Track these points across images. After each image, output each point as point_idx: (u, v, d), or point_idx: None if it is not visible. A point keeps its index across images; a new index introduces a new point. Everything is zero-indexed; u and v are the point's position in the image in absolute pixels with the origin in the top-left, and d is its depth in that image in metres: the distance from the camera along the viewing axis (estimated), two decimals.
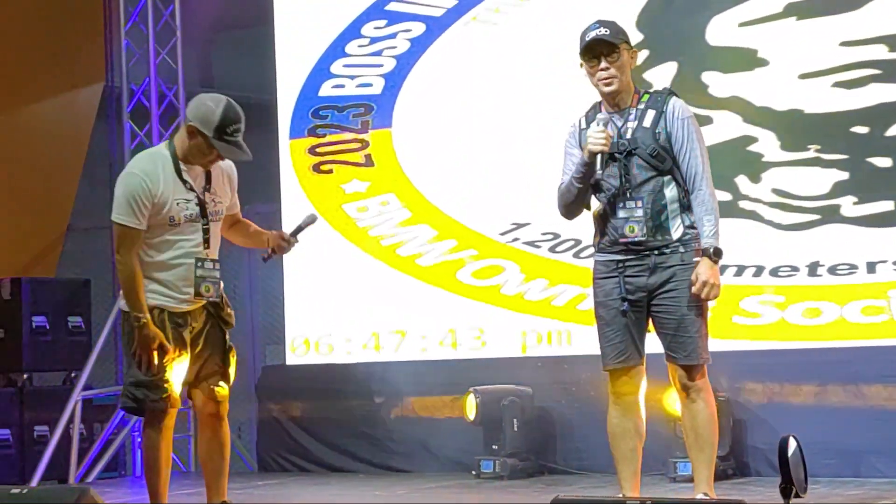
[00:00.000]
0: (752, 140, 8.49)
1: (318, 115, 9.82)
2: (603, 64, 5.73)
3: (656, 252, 5.70)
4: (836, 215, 8.24)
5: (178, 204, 5.96)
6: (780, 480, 4.21)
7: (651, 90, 5.89)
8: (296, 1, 10.02)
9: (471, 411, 8.69)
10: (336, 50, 9.80)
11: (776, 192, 8.42)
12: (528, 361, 9.02)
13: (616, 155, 5.71)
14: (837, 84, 8.29)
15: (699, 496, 5.75)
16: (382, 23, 9.70)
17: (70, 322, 10.12)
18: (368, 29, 9.74)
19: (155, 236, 5.97)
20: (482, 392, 8.68)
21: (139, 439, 9.97)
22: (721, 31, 8.64)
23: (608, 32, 5.75)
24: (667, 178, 5.72)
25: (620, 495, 5.79)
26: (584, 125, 5.85)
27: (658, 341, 5.88)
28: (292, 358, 9.76)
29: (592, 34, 5.76)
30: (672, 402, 8.09)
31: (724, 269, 8.35)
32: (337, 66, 9.81)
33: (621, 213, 5.70)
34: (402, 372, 9.36)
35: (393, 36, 9.66)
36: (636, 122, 5.74)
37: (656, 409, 8.24)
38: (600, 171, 5.67)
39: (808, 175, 8.34)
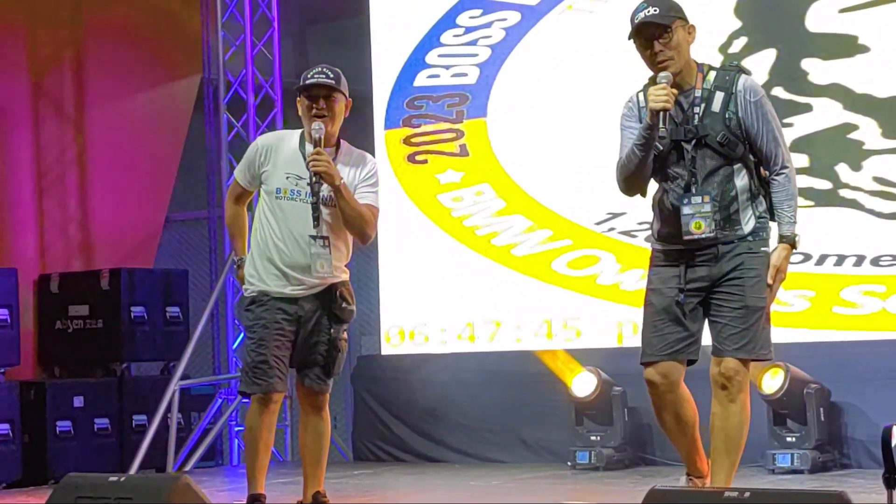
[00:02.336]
0: (853, 128, 8.35)
1: (413, 105, 9.82)
2: (656, 47, 5.39)
3: (723, 243, 5.37)
4: None
5: (287, 178, 6.15)
6: (884, 470, 4.12)
7: (717, 66, 5.52)
8: None
9: (586, 389, 8.61)
10: (431, 40, 9.79)
11: (877, 180, 8.28)
12: (624, 352, 8.95)
13: (682, 143, 5.38)
14: None
15: None
16: (478, 12, 9.68)
17: (168, 312, 10.21)
18: (464, 18, 9.72)
19: (266, 206, 6.18)
20: (601, 373, 8.66)
21: (236, 429, 10.08)
22: (821, 17, 8.51)
23: (658, 12, 5.40)
24: (737, 165, 5.39)
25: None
26: (642, 102, 5.50)
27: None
28: (387, 348, 9.78)
29: (641, 15, 5.43)
30: (770, 383, 8.03)
31: (824, 258, 8.31)
32: (432, 56, 9.80)
33: (687, 209, 5.33)
34: (497, 362, 9.34)
35: (488, 25, 9.63)
36: (703, 106, 5.38)
37: (753, 396, 8.16)
38: (664, 129, 5.27)
39: None
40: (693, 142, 5.36)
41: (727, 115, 5.36)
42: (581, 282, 9.15)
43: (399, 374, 9.76)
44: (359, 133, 9.70)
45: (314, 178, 6.06)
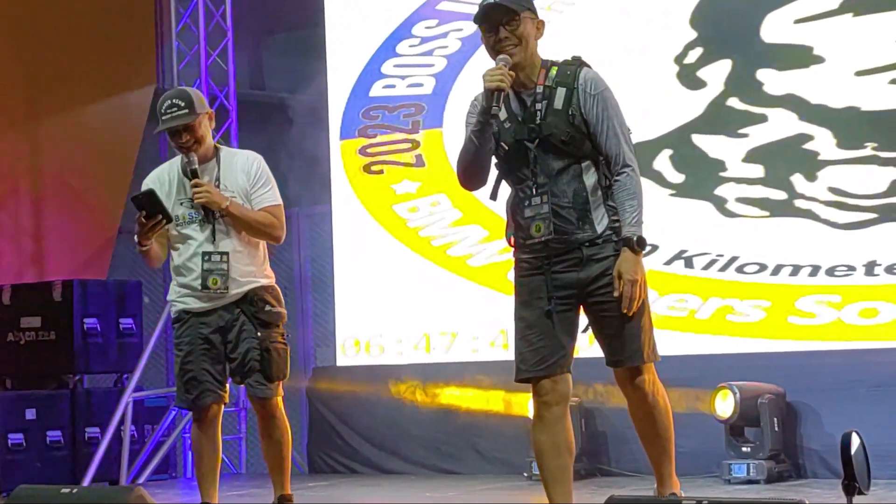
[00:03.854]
0: (808, 138, 8.38)
1: (368, 115, 9.80)
2: (502, 32, 5.13)
3: (586, 245, 5.11)
4: (894, 214, 8.12)
5: (182, 204, 6.22)
6: (843, 477, 4.11)
7: (560, 62, 5.28)
8: (347, 2, 9.99)
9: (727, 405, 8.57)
10: (387, 50, 9.77)
11: (832, 190, 8.31)
12: (579, 363, 8.91)
13: (526, 143, 5.11)
14: (894, 81, 8.18)
15: (669, 495, 5.39)
16: (434, 23, 9.67)
17: (121, 324, 10.12)
18: (419, 29, 9.70)
19: (173, 236, 6.25)
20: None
21: (190, 441, 10.01)
22: (776, 28, 8.54)
23: None
24: (585, 163, 5.12)
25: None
26: (480, 98, 5.17)
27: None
28: (343, 359, 9.74)
29: (489, 0, 5.14)
30: (723, 406, 8.03)
31: (779, 268, 8.33)
32: (388, 67, 9.78)
33: (528, 212, 5.11)
34: (453, 373, 9.32)
35: (444, 36, 9.62)
36: (545, 103, 5.12)
37: (707, 405, 8.17)
38: (497, 108, 4.99)
39: (865, 173, 8.23)
40: (536, 141, 5.12)
41: (570, 112, 5.13)
42: None
43: (355, 386, 9.71)
44: (314, 143, 9.69)
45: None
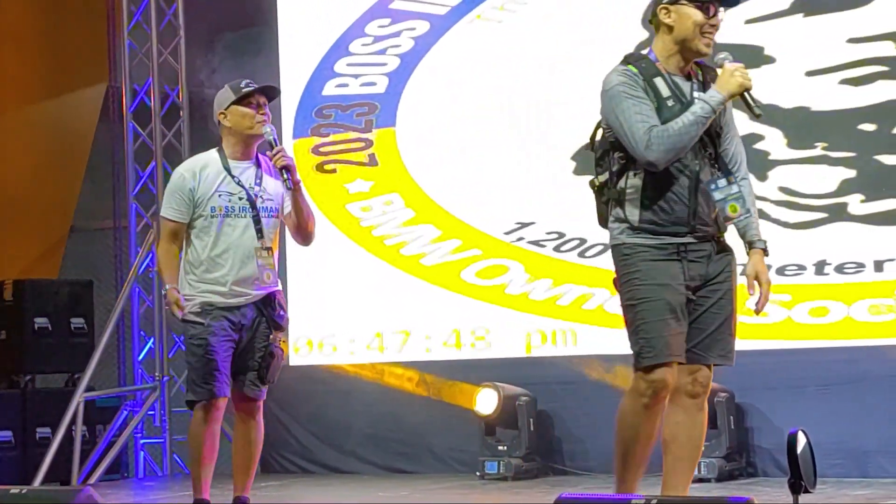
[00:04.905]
0: (759, 138, 8.42)
1: (321, 114, 9.77)
2: (715, 20, 5.08)
3: (714, 240, 5.16)
4: (844, 213, 8.19)
5: (220, 196, 6.23)
6: (790, 475, 4.14)
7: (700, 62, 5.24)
8: (299, 0, 9.96)
9: (489, 406, 8.61)
10: (340, 49, 9.75)
11: (783, 190, 8.36)
12: (532, 361, 8.96)
13: None
14: (844, 81, 8.24)
15: None
16: (386, 21, 9.65)
17: (73, 323, 10.06)
18: (372, 28, 9.69)
19: (200, 228, 6.23)
20: (501, 388, 8.63)
21: (142, 441, 9.96)
22: (727, 27, 8.47)
23: None
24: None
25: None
26: (639, 74, 5.07)
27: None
28: (295, 358, 9.70)
29: None
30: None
31: None
32: (341, 66, 9.76)
33: (717, 195, 5.03)
34: (406, 372, 9.32)
35: (397, 35, 9.61)
36: (700, 94, 5.11)
37: None
38: (759, 108, 5.08)
39: (815, 173, 8.29)
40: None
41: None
42: (490, 291, 9.15)
43: (307, 385, 9.69)
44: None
45: (256, 191, 6.23)
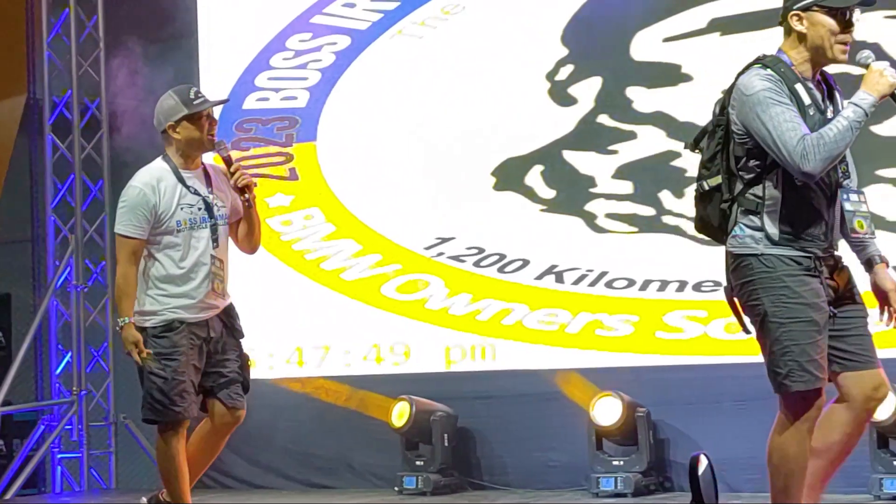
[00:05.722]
0: (676, 155, 8.50)
1: (242, 128, 9.75)
2: (852, 28, 4.86)
3: (837, 253, 4.96)
4: None
5: (182, 209, 6.09)
6: (692, 498, 4.18)
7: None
8: (220, 14, 9.94)
9: (401, 419, 8.62)
10: (261, 63, 9.74)
11: None
12: (452, 376, 8.98)
13: None
14: None
15: None
16: (308, 36, 9.65)
17: None
18: (294, 42, 9.69)
19: (166, 244, 6.10)
20: (415, 402, 8.64)
21: (59, 455, 9.89)
22: (645, 46, 8.66)
23: None
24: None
25: None
26: (781, 81, 4.81)
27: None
28: None
29: None
30: (601, 412, 8.12)
31: (647, 284, 8.44)
32: (261, 79, 9.75)
33: (848, 206, 4.86)
34: (326, 386, 9.30)
35: (318, 49, 9.61)
36: (831, 104, 4.94)
37: (579, 420, 8.25)
38: None
39: None
40: None
41: None
42: (410, 306, 9.16)
43: None
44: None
45: (211, 199, 6.13)
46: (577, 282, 8.69)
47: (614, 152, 8.67)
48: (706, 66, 8.47)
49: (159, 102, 6.24)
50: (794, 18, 4.90)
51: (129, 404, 9.82)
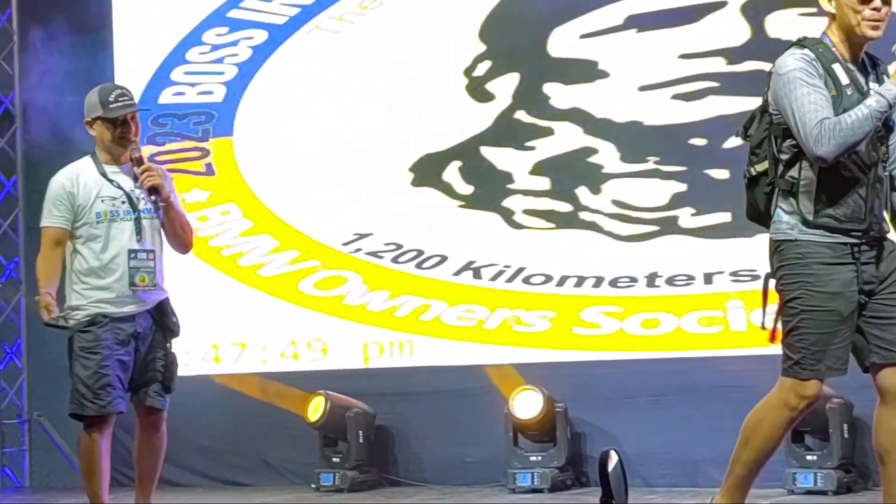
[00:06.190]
0: (593, 151, 8.53)
1: (157, 122, 9.67)
2: (877, 2, 4.74)
3: (884, 239, 4.86)
4: (675, 226, 8.32)
5: (102, 201, 6.13)
6: (602, 494, 4.20)
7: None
8: (135, 7, 9.84)
9: (316, 413, 8.59)
10: (177, 57, 9.66)
11: (616, 203, 8.47)
12: (369, 373, 8.96)
13: None
14: (676, 96, 8.37)
15: None
16: (224, 30, 9.59)
17: None
18: (210, 36, 9.61)
19: (87, 236, 6.13)
20: (331, 397, 8.61)
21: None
22: (562, 42, 8.68)
23: None
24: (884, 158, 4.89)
25: None
26: (816, 60, 4.78)
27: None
28: None
29: None
30: (520, 407, 8.13)
31: (564, 280, 8.47)
32: (177, 74, 9.67)
33: (877, 188, 4.80)
34: (243, 383, 9.25)
35: (235, 43, 9.55)
36: (876, 86, 4.81)
37: (496, 416, 8.26)
38: None
39: (647, 186, 8.41)
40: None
41: None
42: (327, 302, 9.13)
43: None
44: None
45: (136, 193, 6.15)
46: (494, 278, 8.70)
47: (532, 148, 8.69)
48: (623, 62, 8.51)
49: (87, 96, 6.30)
50: (828, 0, 4.87)
51: (43, 402, 9.72)
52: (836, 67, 4.78)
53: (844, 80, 4.78)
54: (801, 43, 4.86)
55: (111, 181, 6.16)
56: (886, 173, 4.87)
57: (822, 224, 4.77)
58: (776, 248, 4.85)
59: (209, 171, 9.52)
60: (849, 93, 4.75)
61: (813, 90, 4.72)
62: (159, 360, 6.18)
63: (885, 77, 4.83)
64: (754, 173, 4.94)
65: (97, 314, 6.09)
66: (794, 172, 4.82)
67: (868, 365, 4.84)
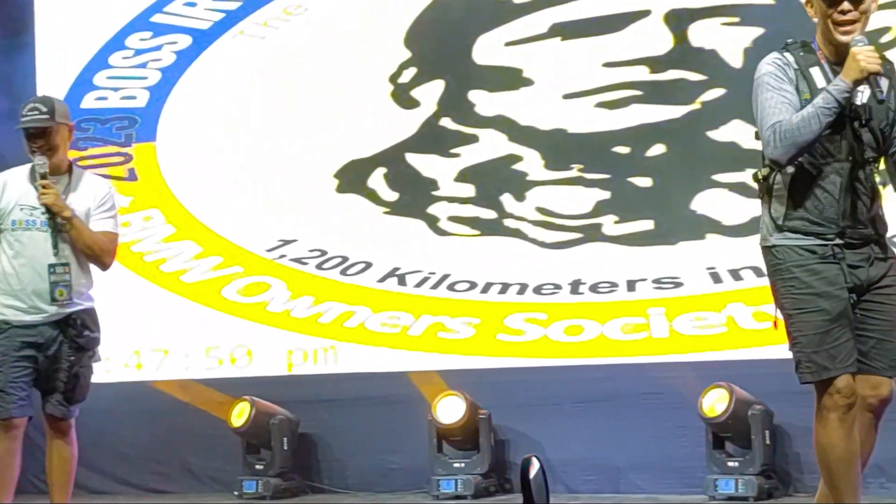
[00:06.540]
0: (517, 159, 8.56)
1: (80, 127, 9.55)
2: (845, 5, 4.70)
3: (874, 242, 4.79)
4: (598, 234, 8.36)
5: (21, 209, 6.16)
6: (523, 501, 4.19)
7: None
8: (58, 11, 9.75)
9: (240, 418, 8.56)
10: (99, 61, 9.58)
11: (540, 210, 8.51)
12: (293, 379, 8.93)
13: (847, 119, 4.71)
14: (600, 104, 8.42)
15: None
16: (148, 35, 9.53)
17: None
18: (133, 41, 9.55)
19: (6, 242, 6.18)
20: (256, 403, 8.57)
21: None
22: (487, 50, 8.71)
23: None
24: (881, 161, 4.81)
25: None
26: (794, 63, 4.77)
27: None
28: None
29: None
30: (443, 412, 8.14)
31: (489, 286, 8.48)
32: (100, 78, 9.59)
33: (840, 191, 4.69)
34: (166, 390, 9.19)
35: (158, 48, 9.49)
36: (868, 89, 4.71)
37: (421, 423, 8.26)
38: (881, 93, 4.64)
39: (571, 194, 8.45)
40: (857, 122, 4.73)
41: (890, 105, 4.78)
42: (251, 309, 9.08)
43: None
44: (23, 155, 9.41)
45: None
46: (419, 284, 8.70)
47: (457, 155, 8.70)
48: (548, 70, 8.55)
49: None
50: (807, 5, 4.85)
51: None
52: (815, 71, 4.75)
53: (821, 82, 4.73)
54: (786, 46, 4.84)
55: (37, 189, 6.15)
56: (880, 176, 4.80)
57: (791, 227, 4.75)
58: (763, 256, 4.85)
59: (132, 176, 9.45)
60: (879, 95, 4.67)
61: (776, 94, 4.72)
62: (63, 371, 6.18)
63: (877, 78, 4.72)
64: (759, 177, 4.89)
65: (1, 321, 6.15)
66: (772, 177, 4.80)
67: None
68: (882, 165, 4.82)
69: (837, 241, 4.70)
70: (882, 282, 4.76)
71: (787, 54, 4.79)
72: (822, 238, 4.71)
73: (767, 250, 4.79)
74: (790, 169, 4.72)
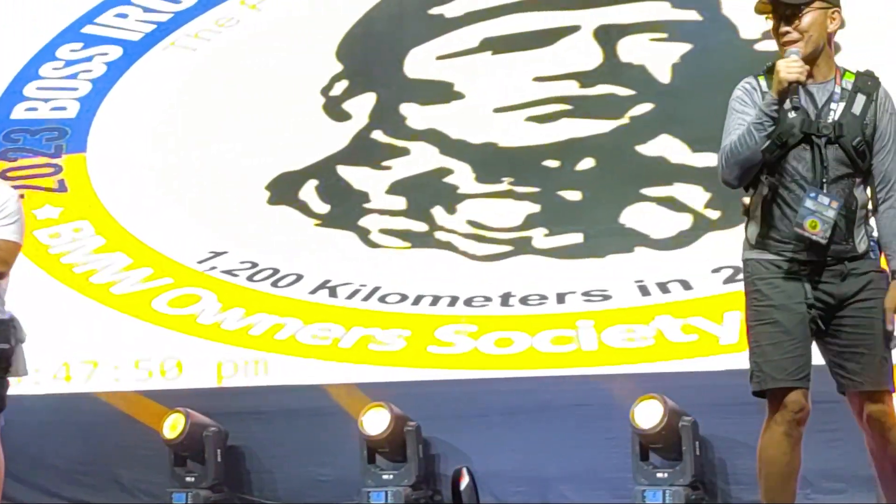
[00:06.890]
0: (448, 172, 8.61)
1: (9, 138, 9.53)
2: (782, 27, 4.78)
3: (848, 259, 4.78)
4: (528, 247, 8.41)
5: None
6: None
7: (854, 70, 4.90)
8: None
9: (174, 430, 8.53)
10: (29, 72, 9.54)
11: (471, 223, 8.55)
12: (224, 392, 8.91)
13: (814, 138, 4.74)
14: (530, 118, 8.48)
15: None
16: (78, 45, 9.50)
17: None
18: (63, 51, 9.52)
19: None
20: (191, 415, 8.55)
21: None
22: (419, 63, 8.75)
23: None
24: (859, 178, 4.81)
25: None
26: (764, 87, 4.81)
27: None
28: None
29: None
30: (370, 424, 8.16)
31: (419, 299, 8.51)
32: (30, 89, 9.55)
33: (809, 204, 4.70)
34: (94, 402, 9.14)
35: (89, 59, 9.46)
36: (842, 105, 4.78)
37: (351, 435, 8.28)
38: (797, 100, 4.66)
39: (502, 207, 8.50)
40: (824, 140, 4.76)
41: (865, 121, 4.79)
42: (181, 321, 9.06)
43: None
44: None
45: None
46: (350, 296, 8.71)
47: (388, 168, 8.73)
48: (478, 84, 8.61)
49: None
50: None
51: None
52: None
53: (789, 103, 4.72)
54: (764, 68, 4.86)
55: None
56: (860, 197, 4.81)
57: (762, 245, 4.81)
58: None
59: (62, 187, 9.41)
60: (791, 115, 4.73)
61: (738, 116, 4.79)
62: None
63: (858, 95, 4.81)
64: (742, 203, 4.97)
65: None
66: (747, 198, 4.88)
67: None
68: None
69: (800, 257, 4.74)
70: (858, 296, 4.78)
71: (759, 77, 4.84)
72: (786, 255, 4.76)
73: (743, 266, 4.88)
74: (764, 190, 4.77)
